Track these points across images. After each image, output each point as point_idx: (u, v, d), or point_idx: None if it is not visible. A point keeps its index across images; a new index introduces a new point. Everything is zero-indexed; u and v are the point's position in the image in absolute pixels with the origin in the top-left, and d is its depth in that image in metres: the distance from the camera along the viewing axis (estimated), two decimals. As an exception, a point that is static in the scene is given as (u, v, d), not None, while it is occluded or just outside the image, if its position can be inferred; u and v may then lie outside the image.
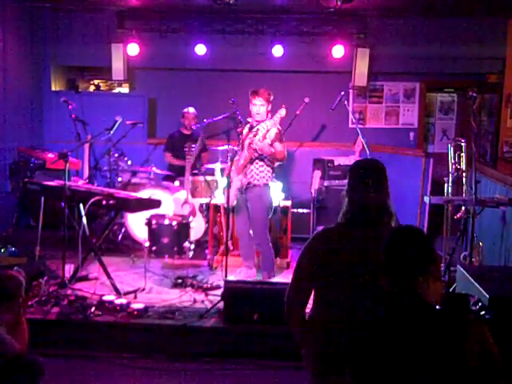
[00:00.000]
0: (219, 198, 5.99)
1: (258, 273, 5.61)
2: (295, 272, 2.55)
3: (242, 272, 5.60)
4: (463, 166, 5.66)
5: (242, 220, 5.47)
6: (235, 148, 5.91)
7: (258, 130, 5.22)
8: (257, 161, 5.27)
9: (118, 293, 4.95)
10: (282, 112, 5.10)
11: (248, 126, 5.42)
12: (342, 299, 2.39)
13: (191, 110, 7.08)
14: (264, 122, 5.24)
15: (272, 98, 5.28)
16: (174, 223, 5.59)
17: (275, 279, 5.52)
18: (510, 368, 1.48)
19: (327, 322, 2.42)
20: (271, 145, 5.11)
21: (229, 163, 5.37)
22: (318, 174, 7.16)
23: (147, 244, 5.47)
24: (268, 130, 5.08)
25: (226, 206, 5.06)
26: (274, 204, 5.94)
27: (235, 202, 5.40)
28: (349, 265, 2.38)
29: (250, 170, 5.28)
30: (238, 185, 5.30)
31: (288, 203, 6.15)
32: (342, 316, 2.35)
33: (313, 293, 2.55)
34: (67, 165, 5.19)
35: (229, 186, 5.09)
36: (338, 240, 2.44)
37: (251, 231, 5.45)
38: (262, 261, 5.52)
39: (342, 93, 6.22)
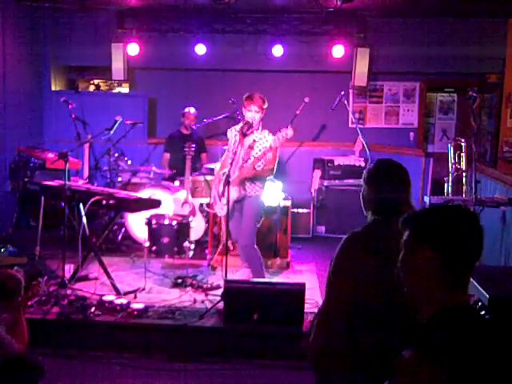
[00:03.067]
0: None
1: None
2: (332, 288, 2.27)
3: (243, 273, 5.55)
4: (463, 165, 5.67)
5: (237, 226, 5.30)
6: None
7: (254, 141, 5.04)
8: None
9: (118, 293, 4.94)
10: (290, 132, 4.90)
11: (236, 129, 5.16)
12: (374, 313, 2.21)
13: (192, 110, 7.07)
14: (262, 134, 5.05)
15: (266, 105, 5.05)
16: (174, 223, 5.59)
17: (275, 279, 5.52)
18: (510, 368, 1.47)
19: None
20: (264, 154, 4.95)
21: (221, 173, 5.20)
22: (318, 173, 7.18)
23: (147, 244, 5.47)
24: (265, 151, 4.93)
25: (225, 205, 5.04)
26: (275, 204, 5.95)
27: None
28: (377, 273, 2.21)
29: (248, 184, 5.09)
30: (234, 196, 5.07)
31: (288, 203, 6.14)
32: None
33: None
34: (67, 165, 5.19)
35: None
36: (367, 245, 2.29)
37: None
38: (250, 267, 5.28)
39: (342, 92, 6.23)
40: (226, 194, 4.84)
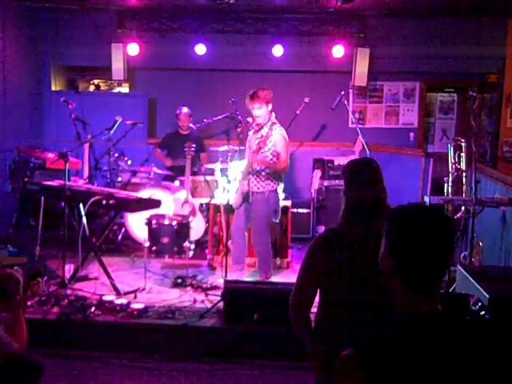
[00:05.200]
0: (219, 198, 5.98)
1: (255, 273, 5.59)
2: (300, 274, 2.55)
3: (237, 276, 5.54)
4: (463, 165, 5.66)
5: (240, 222, 5.41)
6: (235, 148, 5.89)
7: (262, 136, 5.17)
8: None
9: (117, 293, 4.94)
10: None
11: (251, 126, 5.35)
12: (345, 298, 2.42)
13: (184, 110, 7.07)
14: (272, 129, 5.18)
15: (270, 96, 5.17)
16: (174, 223, 5.59)
17: (275, 279, 5.51)
18: (510, 369, 1.46)
19: (334, 321, 2.45)
20: (277, 156, 5.14)
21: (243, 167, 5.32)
22: (317, 173, 7.17)
23: (147, 244, 5.47)
24: (274, 144, 5.12)
25: (225, 205, 5.06)
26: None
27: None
28: (349, 263, 2.41)
29: (251, 179, 5.24)
30: (242, 189, 5.26)
31: (288, 203, 6.14)
32: (347, 314, 2.39)
33: (318, 294, 2.55)
34: (67, 165, 5.19)
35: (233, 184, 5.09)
36: (340, 239, 2.46)
37: (246, 233, 5.43)
38: (259, 262, 5.46)
39: (342, 92, 6.21)
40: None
